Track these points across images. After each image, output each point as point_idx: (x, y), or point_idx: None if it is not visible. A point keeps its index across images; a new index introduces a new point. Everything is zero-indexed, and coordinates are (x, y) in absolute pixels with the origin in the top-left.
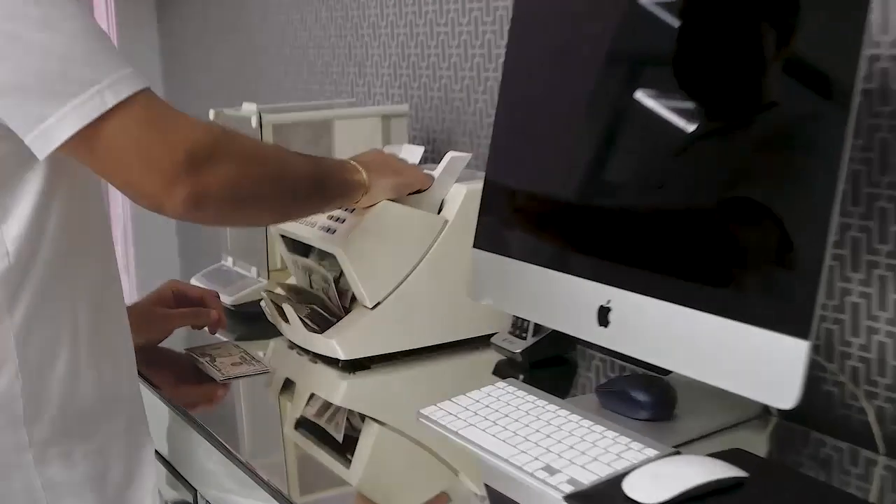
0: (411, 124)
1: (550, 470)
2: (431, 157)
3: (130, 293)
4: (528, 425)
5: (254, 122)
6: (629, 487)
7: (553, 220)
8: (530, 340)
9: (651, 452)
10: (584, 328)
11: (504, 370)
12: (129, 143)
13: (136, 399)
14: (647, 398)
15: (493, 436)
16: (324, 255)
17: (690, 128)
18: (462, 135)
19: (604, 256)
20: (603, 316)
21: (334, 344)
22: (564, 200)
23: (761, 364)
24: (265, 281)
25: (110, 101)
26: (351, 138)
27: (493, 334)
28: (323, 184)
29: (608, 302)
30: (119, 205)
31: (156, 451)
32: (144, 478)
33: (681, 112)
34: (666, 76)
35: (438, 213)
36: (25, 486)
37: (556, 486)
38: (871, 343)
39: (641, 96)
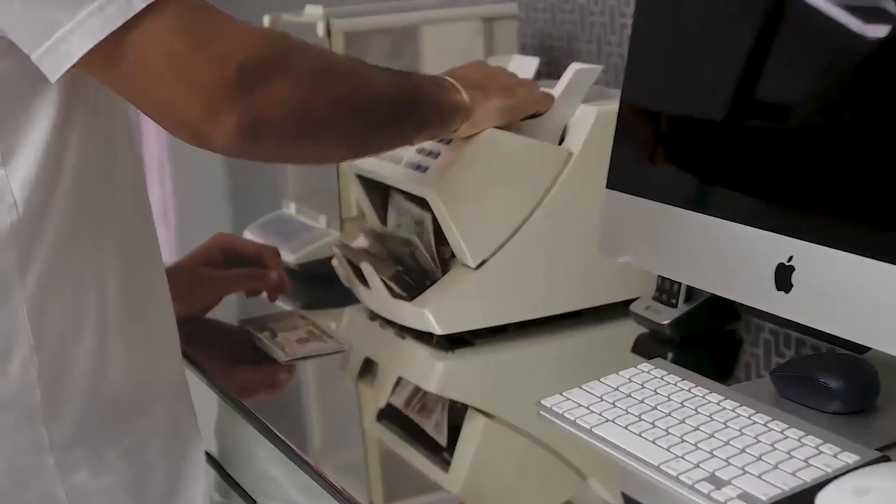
0: (521, 29)
1: (716, 481)
2: (547, 71)
3: (169, 251)
4: (683, 421)
5: (320, 30)
6: None
7: (713, 150)
8: (682, 308)
9: (850, 458)
10: (757, 293)
11: (647, 347)
12: (162, 57)
13: (181, 386)
14: (842, 384)
15: (638, 435)
16: (413, 201)
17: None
18: (588, 42)
19: (784, 199)
20: (783, 277)
21: (427, 314)
22: (727, 125)
23: None
24: (337, 233)
25: (138, 3)
26: (443, 49)
27: (632, 300)
28: (413, 107)
29: (790, 259)
30: (152, 139)
31: (205, 451)
32: (192, 484)
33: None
34: None
35: (560, 143)
36: (45, 495)
37: (724, 502)
38: None
39: None
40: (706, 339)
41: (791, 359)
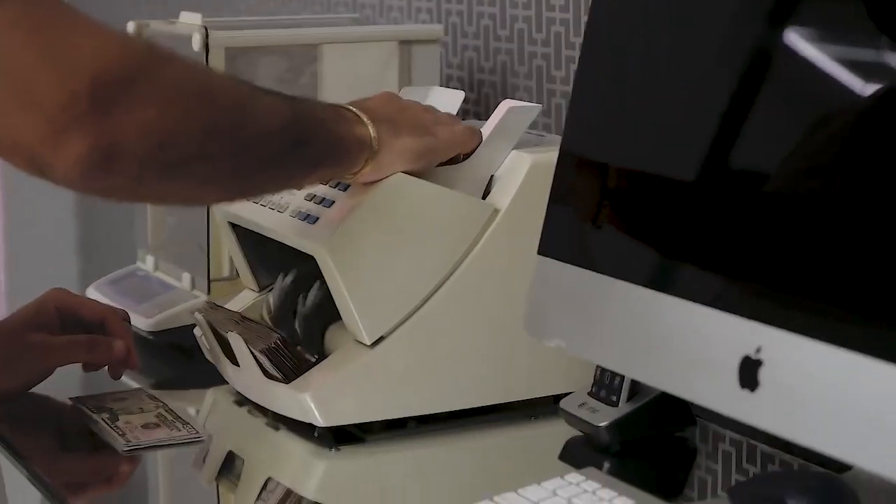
0: (445, 56)
1: None
2: (475, 110)
3: None
4: None
5: (196, 44)
6: None
7: (671, 217)
8: (624, 408)
9: None
10: (717, 391)
11: (578, 454)
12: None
13: None
14: None
15: None
16: (296, 259)
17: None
18: (526, 76)
19: (754, 278)
20: (749, 372)
21: (308, 400)
22: (691, 187)
23: None
24: (203, 296)
25: None
26: (349, 75)
27: (563, 395)
28: (306, 141)
29: (758, 350)
30: None
31: None
32: None
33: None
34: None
35: (484, 196)
36: None
37: None
38: None
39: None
40: (652, 447)
41: (754, 475)
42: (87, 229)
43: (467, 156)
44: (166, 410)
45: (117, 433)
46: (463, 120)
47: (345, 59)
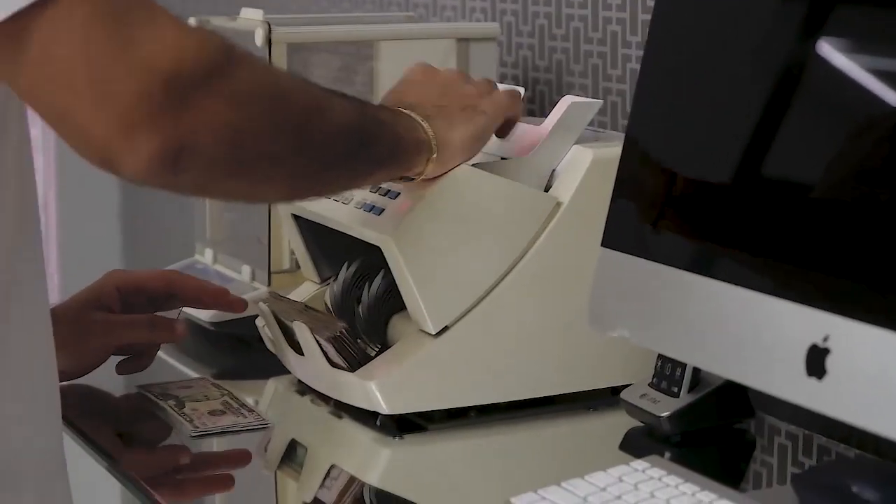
0: (501, 54)
1: None
2: (529, 108)
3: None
4: None
5: (259, 39)
6: None
7: (734, 208)
8: (685, 399)
9: None
10: (783, 379)
11: (639, 444)
12: (73, 54)
13: (57, 459)
14: (881, 497)
15: None
16: (359, 251)
17: None
18: (582, 75)
19: (817, 267)
20: (816, 361)
21: (373, 388)
22: (753, 180)
23: None
24: (264, 288)
25: None
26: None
27: (622, 387)
28: (369, 142)
29: (825, 339)
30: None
31: None
32: None
33: None
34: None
35: (546, 189)
36: None
37: None
38: None
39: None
40: (712, 438)
41: (819, 464)
42: (144, 219)
43: (507, 128)
44: (231, 398)
45: (185, 419)
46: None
47: (402, 56)
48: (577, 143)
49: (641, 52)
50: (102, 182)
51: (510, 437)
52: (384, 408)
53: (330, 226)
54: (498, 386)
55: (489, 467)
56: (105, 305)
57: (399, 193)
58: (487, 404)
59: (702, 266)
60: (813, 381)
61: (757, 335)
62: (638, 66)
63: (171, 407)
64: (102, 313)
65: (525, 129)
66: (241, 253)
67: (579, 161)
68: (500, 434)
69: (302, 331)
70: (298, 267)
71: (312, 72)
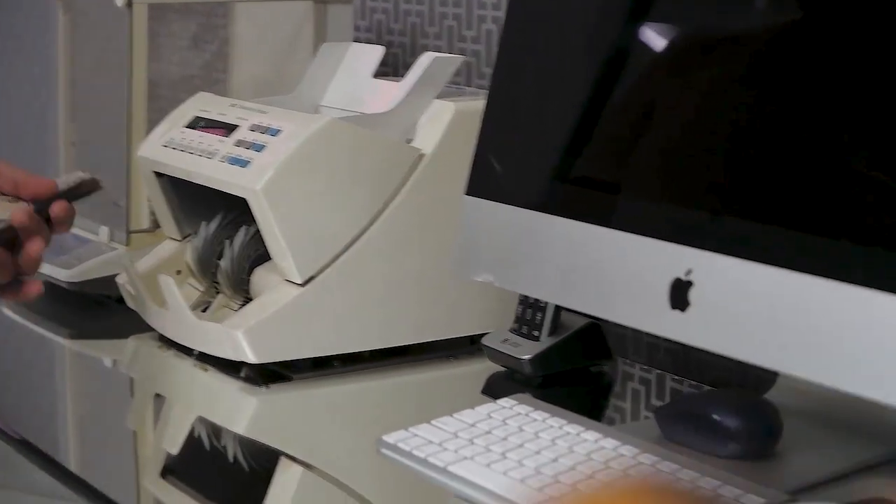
0: (356, 19)
1: None
2: (384, 71)
3: None
4: (556, 460)
5: (120, 1)
6: None
7: (594, 150)
8: (545, 342)
9: (754, 501)
10: (646, 313)
11: (501, 388)
12: None
13: None
14: (740, 423)
15: (503, 474)
16: (220, 206)
17: None
18: (437, 36)
19: (677, 202)
20: (679, 294)
21: (240, 337)
22: (610, 120)
23: None
24: (122, 248)
25: None
26: (263, 34)
27: (481, 336)
28: None
29: (688, 273)
30: None
31: None
32: None
33: None
34: None
35: (409, 142)
36: None
37: None
38: None
39: None
40: (572, 380)
41: (680, 396)
42: None
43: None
44: None
45: None
46: (374, 78)
47: (258, 18)
48: (438, 97)
49: (497, 13)
50: None
51: (374, 385)
52: (251, 357)
53: (195, 181)
54: (363, 334)
55: (356, 414)
56: None
57: (265, 146)
58: (351, 354)
59: (564, 209)
60: (677, 313)
61: (621, 272)
62: (493, 27)
63: None
64: None
65: (387, 86)
66: (96, 215)
67: (441, 114)
68: (365, 382)
69: (167, 283)
70: (158, 226)
71: (172, 34)
